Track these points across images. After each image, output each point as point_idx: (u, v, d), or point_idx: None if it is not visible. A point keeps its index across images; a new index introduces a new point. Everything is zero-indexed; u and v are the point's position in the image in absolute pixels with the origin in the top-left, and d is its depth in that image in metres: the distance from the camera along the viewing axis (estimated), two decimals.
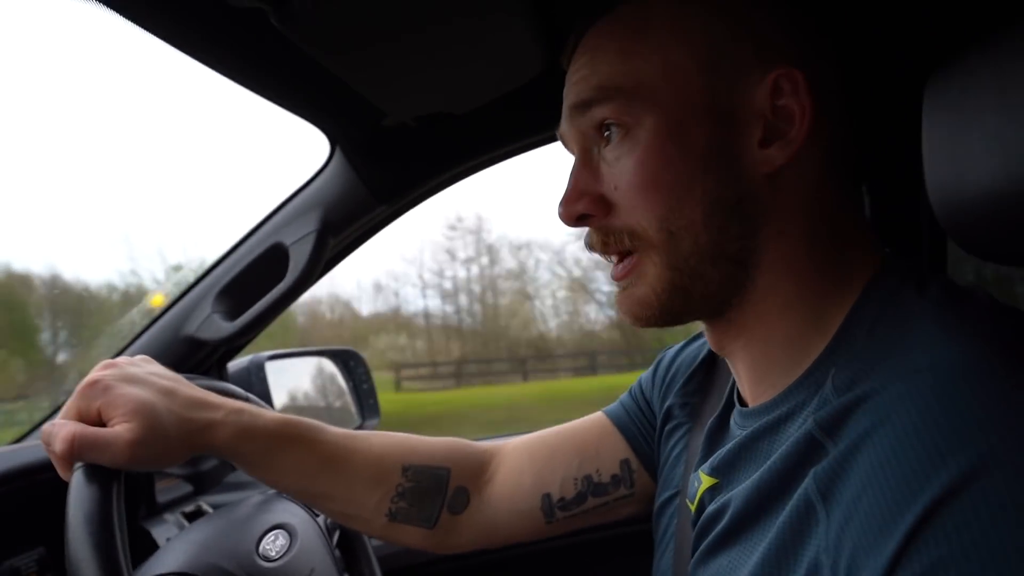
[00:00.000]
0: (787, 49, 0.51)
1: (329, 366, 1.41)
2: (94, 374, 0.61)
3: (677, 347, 0.80)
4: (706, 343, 0.75)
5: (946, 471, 0.36)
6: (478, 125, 0.96)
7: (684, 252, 0.52)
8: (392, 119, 0.92)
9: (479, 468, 0.78)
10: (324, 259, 1.01)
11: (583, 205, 0.55)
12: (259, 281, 1.03)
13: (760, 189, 0.51)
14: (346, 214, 1.01)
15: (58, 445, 0.56)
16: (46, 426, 0.58)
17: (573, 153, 0.58)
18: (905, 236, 0.97)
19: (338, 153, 0.99)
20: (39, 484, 0.79)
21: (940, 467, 0.36)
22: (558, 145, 1.06)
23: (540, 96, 0.94)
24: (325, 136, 0.96)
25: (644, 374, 0.81)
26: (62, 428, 0.57)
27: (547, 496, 0.75)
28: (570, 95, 0.56)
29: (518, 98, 0.92)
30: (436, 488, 0.74)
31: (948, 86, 0.59)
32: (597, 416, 0.81)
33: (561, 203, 0.56)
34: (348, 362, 1.40)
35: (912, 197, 0.95)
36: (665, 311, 0.54)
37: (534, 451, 0.78)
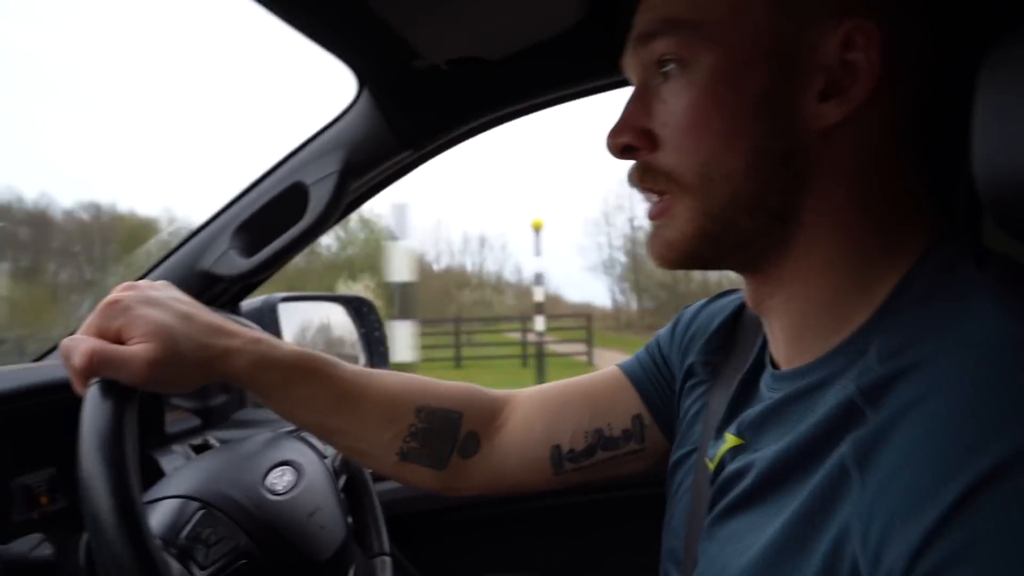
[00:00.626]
0: (868, 0, 0.48)
1: (342, 313, 1.41)
2: (115, 294, 0.61)
3: (698, 304, 0.79)
4: (731, 302, 0.75)
5: (993, 451, 0.35)
6: (511, 73, 0.94)
7: (720, 200, 0.50)
8: (423, 60, 0.90)
9: (491, 414, 0.78)
10: (344, 201, 1.00)
11: (629, 136, 0.54)
12: (278, 219, 1.02)
13: (812, 144, 0.49)
14: (370, 156, 0.99)
15: (77, 359, 0.56)
16: (65, 340, 0.58)
17: (634, 85, 0.57)
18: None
19: (365, 93, 0.97)
20: (53, 404, 0.79)
21: (988, 446, 0.35)
22: (592, 99, 1.04)
23: (575, 47, 0.91)
24: (353, 74, 0.94)
25: (662, 330, 0.81)
26: (82, 343, 0.57)
27: (557, 447, 0.75)
28: (637, 25, 0.54)
29: (553, 47, 0.89)
30: (448, 431, 0.74)
31: (1006, 60, 0.57)
32: (612, 370, 0.80)
33: (609, 133, 0.55)
34: (361, 309, 1.40)
35: (949, 176, 0.92)
36: (693, 255, 0.53)
37: (547, 401, 0.78)
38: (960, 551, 0.34)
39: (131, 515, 0.51)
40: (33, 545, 0.68)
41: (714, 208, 0.51)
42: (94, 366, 0.56)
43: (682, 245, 0.53)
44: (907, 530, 0.36)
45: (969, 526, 0.34)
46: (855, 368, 0.47)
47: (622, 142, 0.54)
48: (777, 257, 0.52)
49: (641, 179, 0.55)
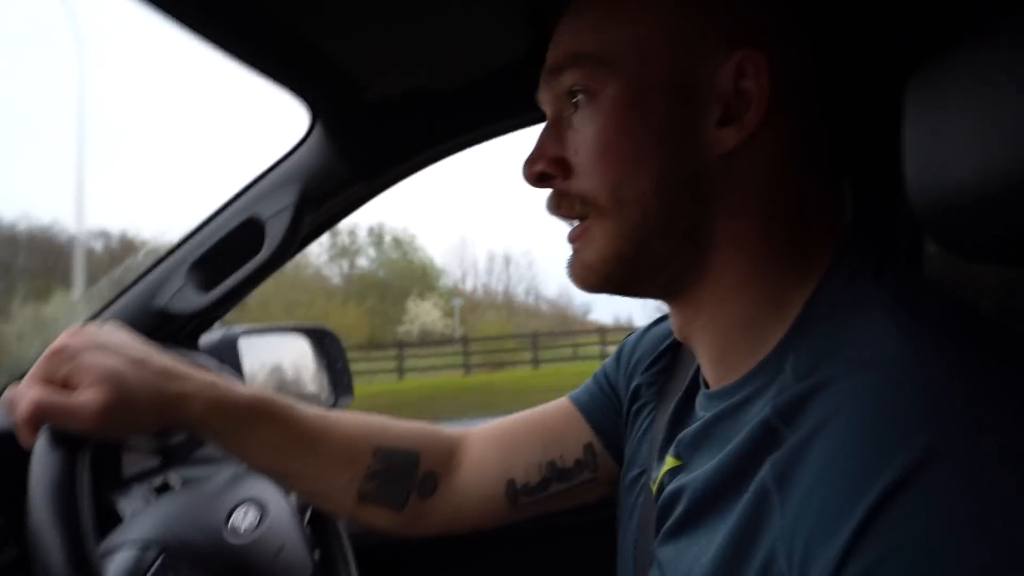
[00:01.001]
0: (757, 31, 0.51)
1: (303, 344, 1.39)
2: (61, 340, 0.59)
3: (639, 331, 0.81)
4: (670, 326, 0.76)
5: (894, 464, 0.36)
6: (461, 104, 0.95)
7: (633, 222, 0.52)
8: (374, 93, 0.91)
9: (448, 453, 0.79)
10: (301, 234, 1.00)
11: (543, 165, 0.56)
12: (234, 254, 1.01)
13: (714, 168, 0.51)
14: (325, 189, 1.00)
15: (23, 409, 0.54)
16: (8, 391, 0.57)
17: (548, 118, 0.59)
18: (880, 233, 0.98)
19: (318, 126, 0.97)
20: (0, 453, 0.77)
21: (888, 460, 0.37)
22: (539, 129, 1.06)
23: (523, 78, 0.92)
24: (306, 108, 0.95)
25: (608, 360, 0.82)
26: (27, 392, 0.55)
27: (511, 482, 0.76)
28: (548, 59, 0.57)
29: (502, 79, 0.91)
30: (406, 471, 0.74)
31: (930, 82, 0.60)
32: (562, 402, 0.82)
33: (524, 163, 0.58)
34: (323, 340, 1.39)
35: (889, 195, 0.96)
36: (610, 278, 0.55)
37: (500, 437, 0.79)
38: (877, 563, 0.35)
39: (85, 570, 0.50)
40: None
41: (627, 230, 0.53)
42: (40, 415, 0.54)
43: (600, 267, 0.55)
44: (825, 549, 0.37)
45: (878, 541, 0.35)
46: (774, 386, 0.49)
47: (537, 171, 0.57)
48: (695, 280, 0.54)
49: (558, 206, 0.57)
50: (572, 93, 0.55)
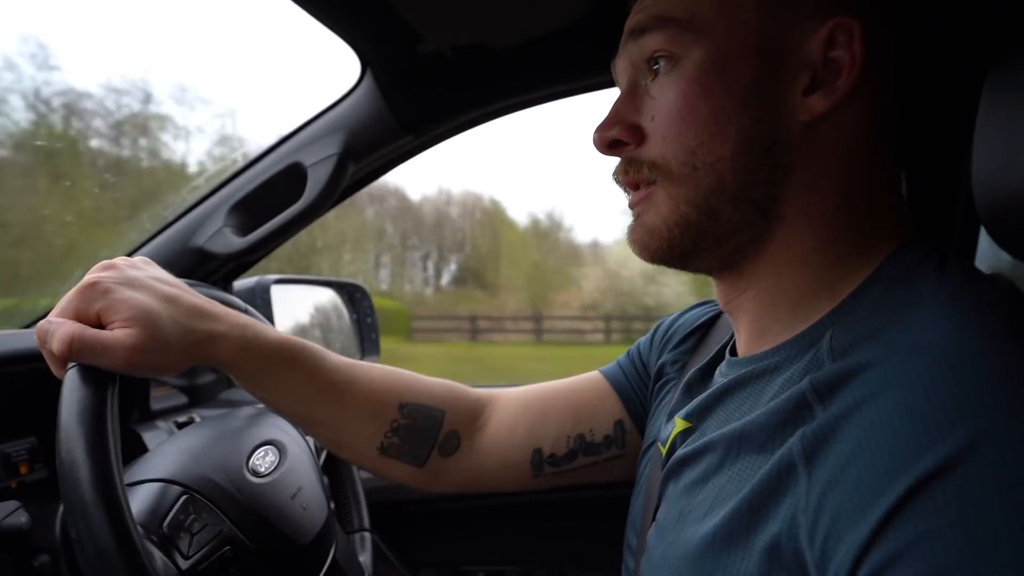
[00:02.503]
0: (849, 1, 0.50)
1: (334, 297, 1.40)
2: (93, 275, 0.58)
3: (676, 313, 0.81)
4: (707, 311, 0.76)
5: (937, 449, 0.36)
6: (514, 63, 0.93)
7: (705, 189, 0.51)
8: (428, 46, 0.89)
9: (473, 414, 0.78)
10: (342, 184, 0.99)
11: (616, 131, 0.55)
12: (274, 199, 1.01)
13: (796, 136, 0.50)
14: (370, 141, 0.99)
15: (56, 344, 0.53)
16: (42, 323, 0.56)
17: (621, 87, 0.58)
18: (937, 224, 0.94)
19: (368, 76, 0.96)
20: (33, 373, 0.78)
21: (932, 445, 0.36)
22: (591, 96, 1.04)
23: (581, 41, 0.91)
24: (357, 57, 0.93)
25: (643, 338, 0.82)
26: (60, 327, 0.54)
27: (538, 451, 0.75)
28: (630, 23, 0.56)
29: (559, 39, 0.89)
30: (429, 428, 0.74)
31: (1012, 71, 0.56)
32: (594, 375, 0.81)
33: (596, 128, 0.56)
34: (354, 295, 1.39)
35: (949, 185, 0.92)
36: (675, 246, 0.53)
37: (529, 405, 0.78)
38: (903, 549, 0.35)
39: (114, 507, 0.49)
40: (7, 512, 0.67)
41: (698, 197, 0.51)
42: (74, 352, 0.53)
43: (663, 232, 0.53)
44: (853, 528, 0.37)
45: (911, 525, 0.35)
46: (805, 357, 0.48)
47: (609, 136, 0.55)
48: (754, 252, 0.53)
49: (625, 172, 0.56)
50: (652, 60, 0.54)
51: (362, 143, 0.98)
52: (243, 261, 1.09)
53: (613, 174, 0.57)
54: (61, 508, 0.68)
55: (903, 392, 0.39)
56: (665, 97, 0.52)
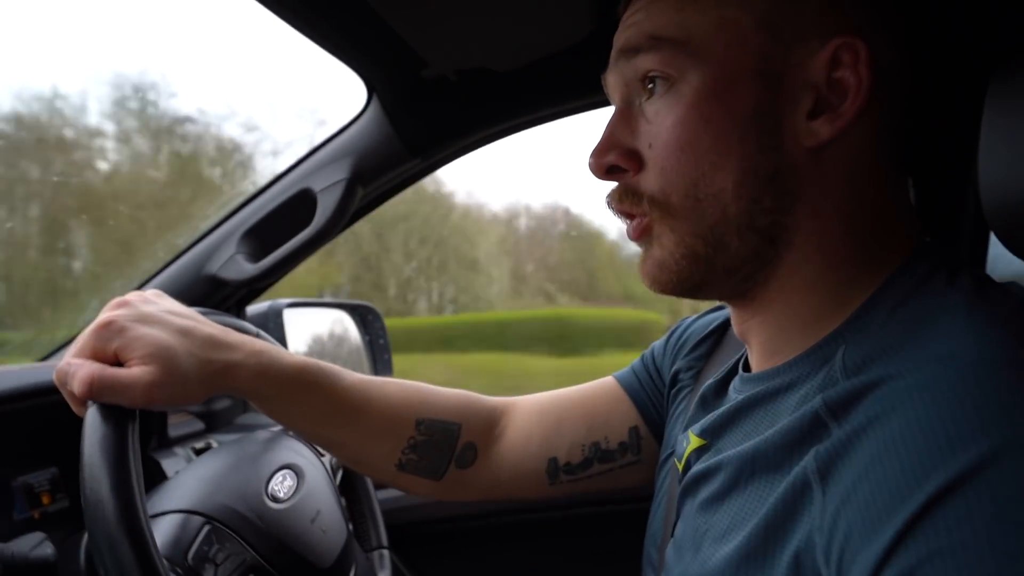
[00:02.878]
0: (853, 17, 0.48)
1: (347, 319, 1.41)
2: (107, 314, 0.58)
3: (693, 317, 0.80)
4: (721, 315, 0.75)
5: (952, 463, 0.35)
6: (518, 85, 0.94)
7: (710, 221, 0.49)
8: (432, 70, 0.90)
9: (489, 424, 0.78)
10: (352, 208, 1.00)
11: (614, 157, 0.53)
12: (285, 225, 1.03)
13: (801, 162, 0.48)
14: (378, 165, 1.00)
15: (77, 386, 0.54)
16: (60, 364, 0.56)
17: (615, 103, 0.56)
18: (945, 231, 0.94)
19: (375, 101, 0.97)
20: (56, 404, 0.79)
21: (946, 459, 0.35)
22: (595, 114, 1.05)
23: (584, 60, 0.92)
24: (363, 82, 0.95)
25: (657, 342, 0.81)
26: (79, 368, 0.55)
27: (553, 460, 0.75)
28: (619, 40, 0.54)
29: (561, 60, 0.90)
30: (446, 443, 0.74)
31: (1015, 75, 0.57)
32: (608, 381, 0.80)
33: (592, 153, 0.54)
34: (366, 317, 1.40)
35: (958, 191, 0.92)
36: (685, 278, 0.52)
37: (544, 413, 0.78)
38: (918, 565, 0.34)
39: (141, 543, 0.50)
40: (34, 544, 0.68)
41: (702, 230, 0.50)
42: (94, 392, 0.54)
43: (672, 265, 0.52)
44: (867, 546, 0.36)
45: (924, 542, 0.34)
46: (819, 375, 0.47)
47: (607, 162, 0.53)
48: (763, 279, 0.52)
49: (621, 201, 0.54)
50: (646, 79, 0.51)
51: (370, 167, 1.00)
52: (256, 287, 1.10)
53: (607, 200, 0.55)
54: (85, 538, 0.69)
55: (916, 407, 0.38)
56: (663, 124, 0.50)
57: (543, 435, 0.76)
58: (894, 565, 0.35)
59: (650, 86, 0.51)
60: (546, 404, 0.79)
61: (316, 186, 1.01)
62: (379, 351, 1.40)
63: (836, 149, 0.48)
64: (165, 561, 0.53)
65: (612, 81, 0.55)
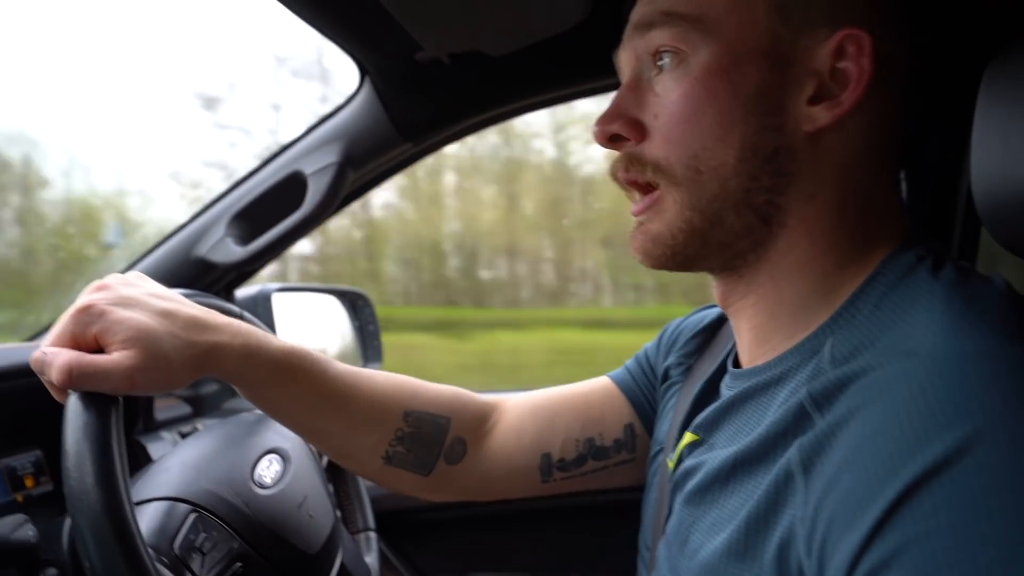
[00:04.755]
0: (862, 10, 0.49)
1: (336, 305, 1.40)
2: (86, 298, 0.56)
3: (683, 317, 0.80)
4: (711, 313, 0.76)
5: (928, 452, 0.36)
6: (512, 70, 0.93)
7: (709, 194, 0.51)
8: (426, 53, 0.89)
9: (479, 420, 0.77)
10: (343, 192, 1.00)
11: (619, 125, 0.54)
12: (275, 208, 1.02)
13: (799, 146, 0.50)
14: (370, 149, 0.99)
15: (54, 375, 0.52)
16: (36, 354, 0.54)
17: (624, 79, 0.57)
18: (937, 227, 0.94)
19: (367, 84, 0.96)
20: (37, 386, 0.78)
21: (923, 448, 0.36)
22: (590, 101, 1.04)
23: (577, 46, 0.91)
24: (356, 65, 0.94)
25: (650, 343, 0.81)
26: (56, 356, 0.52)
27: (547, 456, 0.75)
28: (635, 15, 0.55)
29: (555, 46, 0.89)
30: (435, 436, 0.73)
31: (1009, 70, 0.56)
32: (603, 380, 0.80)
33: (598, 120, 0.55)
34: (356, 302, 1.39)
35: (950, 187, 0.92)
36: (679, 252, 0.53)
37: (537, 409, 0.78)
38: (894, 554, 0.35)
39: (126, 535, 0.49)
40: (15, 527, 0.67)
41: (701, 203, 0.51)
42: (73, 381, 0.52)
43: (668, 239, 0.53)
44: (847, 534, 0.37)
45: (900, 530, 0.35)
46: (808, 367, 0.48)
47: (611, 130, 0.54)
48: (755, 259, 0.53)
49: (626, 169, 0.55)
50: (658, 54, 0.53)
51: (362, 151, 0.99)
52: (245, 270, 1.09)
53: (610, 170, 0.56)
54: (68, 521, 0.68)
55: (894, 397, 0.39)
56: (670, 96, 0.52)
57: (536, 430, 0.76)
58: (872, 553, 0.36)
59: (660, 62, 0.53)
60: (540, 400, 0.79)
61: (307, 169, 1.00)
62: (369, 337, 1.39)
63: (833, 136, 0.50)
64: (151, 551, 0.53)
65: (625, 56, 0.57)
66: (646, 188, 0.54)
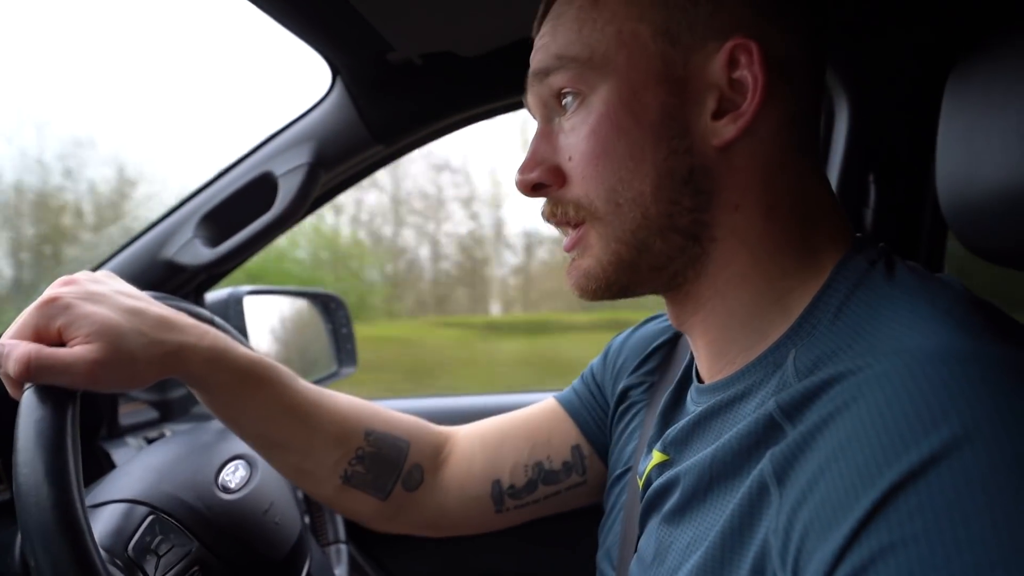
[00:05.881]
0: (746, 19, 0.49)
1: (310, 308, 1.38)
2: (53, 291, 0.56)
3: (628, 331, 0.80)
4: (665, 322, 0.75)
5: (904, 459, 0.35)
6: (484, 71, 0.93)
7: (631, 225, 0.51)
8: (398, 54, 0.88)
9: (436, 449, 0.77)
10: (313, 194, 0.98)
11: (538, 174, 0.54)
12: (245, 210, 1.00)
13: (713, 162, 0.50)
14: (341, 150, 0.98)
15: (12, 366, 0.51)
16: None
17: (537, 122, 0.57)
18: (904, 231, 0.95)
19: (339, 85, 0.95)
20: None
21: (899, 454, 0.36)
22: None
23: None
24: (327, 65, 0.93)
25: (595, 360, 0.81)
26: (15, 348, 0.52)
27: (497, 482, 0.75)
28: (533, 62, 0.55)
29: (526, 48, 0.88)
30: (394, 458, 0.73)
31: (973, 73, 0.57)
32: (548, 402, 0.80)
33: (518, 171, 0.55)
34: (329, 305, 1.38)
35: (916, 192, 0.93)
36: (612, 283, 0.53)
37: (486, 436, 0.78)
38: (870, 561, 0.34)
39: (75, 533, 0.47)
40: None
41: (625, 234, 0.51)
42: (32, 373, 0.51)
43: (599, 273, 0.53)
44: (822, 544, 0.37)
45: (877, 536, 0.35)
46: (773, 380, 0.48)
47: (531, 179, 0.55)
48: (694, 275, 0.53)
49: (552, 213, 0.55)
50: (560, 96, 0.53)
51: (333, 152, 0.98)
52: (214, 272, 1.08)
53: (541, 214, 0.57)
54: (19, 537, 0.66)
55: (868, 404, 0.38)
56: (578, 136, 0.52)
57: (485, 457, 0.76)
58: (848, 562, 0.35)
59: (564, 102, 0.53)
60: (488, 428, 0.79)
61: (277, 170, 0.98)
62: (343, 340, 1.37)
63: (745, 145, 0.50)
64: (104, 553, 0.51)
65: (531, 101, 0.57)
66: (577, 225, 0.54)
